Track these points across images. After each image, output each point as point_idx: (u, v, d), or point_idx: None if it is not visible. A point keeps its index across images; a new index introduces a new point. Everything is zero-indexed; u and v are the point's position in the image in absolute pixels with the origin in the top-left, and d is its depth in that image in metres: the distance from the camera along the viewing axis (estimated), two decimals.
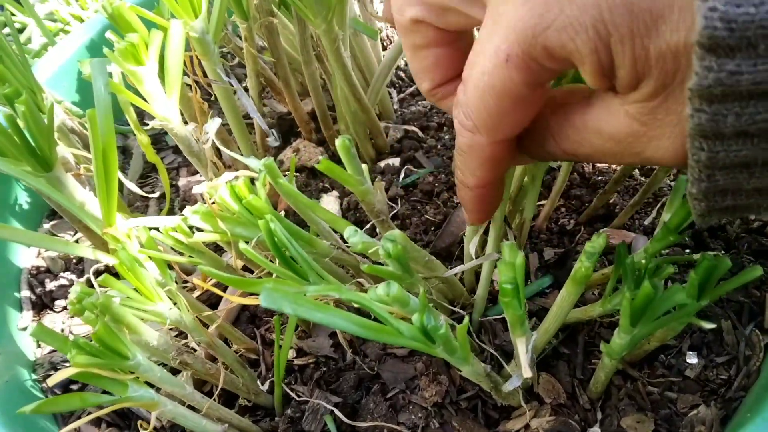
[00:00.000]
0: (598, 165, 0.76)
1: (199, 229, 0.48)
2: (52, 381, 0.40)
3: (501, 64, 0.29)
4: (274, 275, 0.44)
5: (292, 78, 0.76)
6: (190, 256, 0.48)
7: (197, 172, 0.84)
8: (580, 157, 0.34)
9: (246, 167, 0.48)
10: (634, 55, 0.26)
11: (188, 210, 0.46)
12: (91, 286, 0.70)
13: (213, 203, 0.46)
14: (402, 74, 0.94)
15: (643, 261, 0.41)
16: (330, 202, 0.74)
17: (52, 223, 0.77)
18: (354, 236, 0.46)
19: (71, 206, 0.47)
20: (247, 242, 0.46)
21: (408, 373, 0.58)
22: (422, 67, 0.38)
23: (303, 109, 0.82)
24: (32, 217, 0.77)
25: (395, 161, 0.81)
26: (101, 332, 0.40)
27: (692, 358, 0.56)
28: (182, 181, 0.81)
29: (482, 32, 0.31)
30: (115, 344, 0.42)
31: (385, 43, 0.99)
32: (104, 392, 0.42)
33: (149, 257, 0.47)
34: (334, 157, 0.85)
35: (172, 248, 0.55)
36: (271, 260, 0.43)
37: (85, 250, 0.49)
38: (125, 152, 0.88)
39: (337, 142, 0.47)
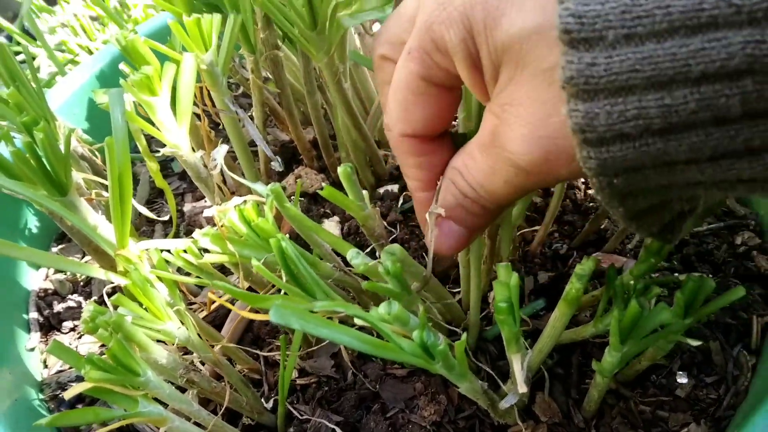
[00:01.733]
0: (590, 192, 0.79)
1: (207, 251, 0.50)
2: (68, 394, 0.42)
3: (404, 57, 0.33)
4: (282, 292, 0.46)
5: (295, 108, 0.79)
6: (198, 277, 0.50)
7: (202, 198, 0.86)
8: (506, 187, 0.32)
9: (251, 192, 0.51)
10: (488, 45, 0.28)
11: (198, 233, 0.48)
12: (102, 305, 0.72)
13: (222, 226, 0.49)
14: None
15: (632, 282, 0.43)
16: (331, 227, 0.76)
17: (60, 247, 0.79)
18: (356, 258, 0.48)
19: (86, 228, 0.50)
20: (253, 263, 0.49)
21: (407, 393, 0.60)
22: (385, 103, 0.39)
23: (305, 138, 0.85)
24: (41, 240, 0.79)
25: (394, 187, 0.83)
26: (115, 349, 0.42)
27: (683, 378, 0.58)
28: (187, 207, 0.83)
29: None
30: (128, 361, 0.43)
31: None
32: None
33: (159, 278, 0.49)
34: (335, 184, 0.88)
35: (178, 270, 0.58)
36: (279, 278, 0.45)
37: (97, 270, 0.51)
38: (133, 178, 0.91)
39: (340, 169, 0.50)
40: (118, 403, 0.44)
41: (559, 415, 0.57)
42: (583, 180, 0.81)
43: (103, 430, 0.48)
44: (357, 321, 0.38)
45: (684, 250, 0.69)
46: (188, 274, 0.53)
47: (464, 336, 0.41)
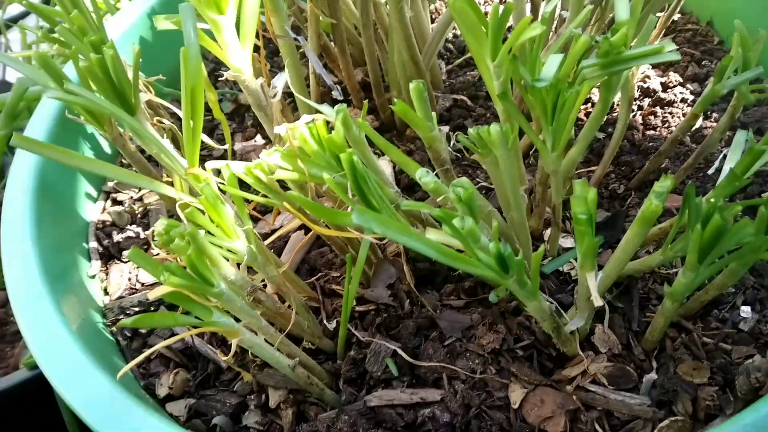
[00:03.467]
0: (648, 132, 0.77)
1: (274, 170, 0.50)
2: (152, 295, 0.43)
3: None
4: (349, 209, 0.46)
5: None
6: (265, 196, 0.50)
7: (252, 138, 0.86)
8: None
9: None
10: None
11: (268, 151, 0.48)
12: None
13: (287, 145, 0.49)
14: (450, 46, 0.96)
15: (712, 200, 0.42)
16: (384, 166, 0.76)
17: (116, 181, 0.80)
18: (426, 176, 0.48)
19: (156, 148, 0.50)
20: (321, 182, 0.49)
21: (464, 323, 0.60)
22: None
23: (355, 78, 0.84)
24: (97, 177, 0.80)
25: (444, 129, 0.82)
26: (193, 257, 0.43)
27: (746, 313, 0.57)
28: (237, 146, 0.84)
29: None
30: (204, 271, 0.44)
31: (433, 16, 1.01)
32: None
33: (226, 197, 0.49)
34: (383, 126, 0.88)
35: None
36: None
37: (167, 188, 0.51)
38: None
39: (411, 85, 0.49)
40: (194, 311, 0.45)
41: (618, 346, 0.56)
42: (641, 121, 0.80)
43: (172, 340, 0.49)
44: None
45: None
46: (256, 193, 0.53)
47: (541, 248, 0.41)
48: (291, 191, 0.47)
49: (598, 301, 0.41)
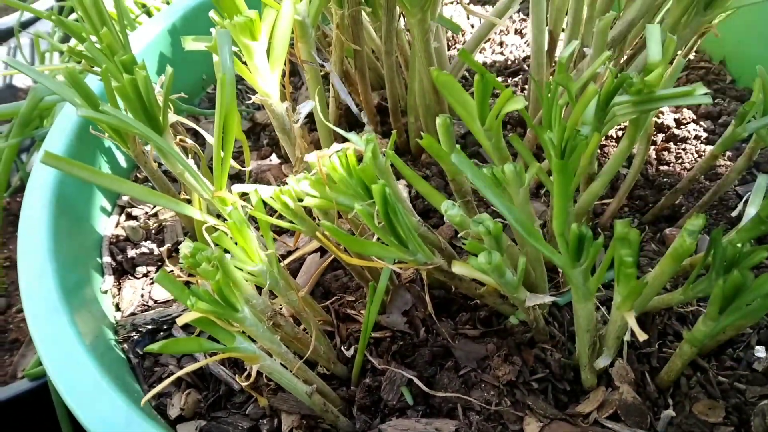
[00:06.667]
0: (662, 167, 0.78)
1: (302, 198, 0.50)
2: (180, 321, 0.43)
3: None
4: (375, 238, 0.46)
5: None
6: (291, 222, 0.51)
7: (267, 157, 0.87)
8: None
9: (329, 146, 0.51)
10: None
11: (296, 177, 0.49)
12: (171, 256, 0.73)
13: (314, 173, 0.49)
14: (466, 74, 0.97)
15: (738, 245, 0.42)
16: (401, 190, 0.76)
17: (128, 197, 0.80)
18: (452, 209, 0.48)
19: (183, 169, 0.50)
20: (348, 210, 0.49)
21: (479, 353, 0.60)
22: None
23: (372, 102, 0.85)
24: (109, 196, 0.80)
25: None
26: (221, 282, 0.43)
27: (761, 353, 0.57)
28: (253, 165, 0.84)
29: None
30: (230, 296, 0.44)
31: (450, 43, 1.02)
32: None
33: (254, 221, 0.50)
34: (398, 150, 0.88)
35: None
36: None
37: (192, 210, 0.51)
38: (197, 134, 0.92)
39: (438, 120, 0.50)
40: (217, 336, 0.45)
41: (634, 383, 0.56)
42: (655, 156, 0.81)
43: (195, 366, 0.49)
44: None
45: None
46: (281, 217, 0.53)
47: (601, 237, 0.40)
48: (324, 221, 0.47)
49: (642, 336, 0.41)
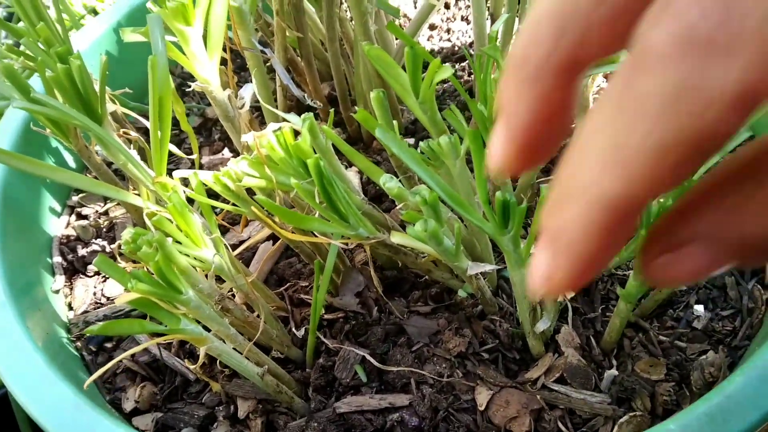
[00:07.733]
0: None
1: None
2: (119, 301, 0.43)
3: None
4: (317, 214, 0.47)
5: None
6: (234, 205, 0.51)
7: (219, 152, 0.87)
8: None
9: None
10: None
11: (236, 159, 0.49)
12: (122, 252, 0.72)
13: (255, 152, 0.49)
14: None
15: (662, 200, 0.44)
16: (351, 176, 0.77)
17: (81, 195, 0.80)
18: (390, 182, 0.49)
19: (124, 158, 0.50)
20: (289, 190, 0.50)
21: (431, 328, 0.61)
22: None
23: (322, 91, 0.85)
24: (61, 191, 0.79)
25: (410, 141, 0.84)
26: (161, 263, 0.43)
27: (699, 311, 0.60)
28: (205, 159, 0.84)
29: None
30: (171, 278, 0.44)
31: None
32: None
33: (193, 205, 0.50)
34: (350, 139, 0.89)
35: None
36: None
37: (134, 197, 0.52)
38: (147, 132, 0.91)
39: (372, 94, 0.51)
40: (161, 319, 0.45)
41: (579, 347, 0.58)
42: None
43: (139, 348, 0.49)
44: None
45: None
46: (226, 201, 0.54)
47: (525, 203, 0.42)
48: (260, 196, 0.47)
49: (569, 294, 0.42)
